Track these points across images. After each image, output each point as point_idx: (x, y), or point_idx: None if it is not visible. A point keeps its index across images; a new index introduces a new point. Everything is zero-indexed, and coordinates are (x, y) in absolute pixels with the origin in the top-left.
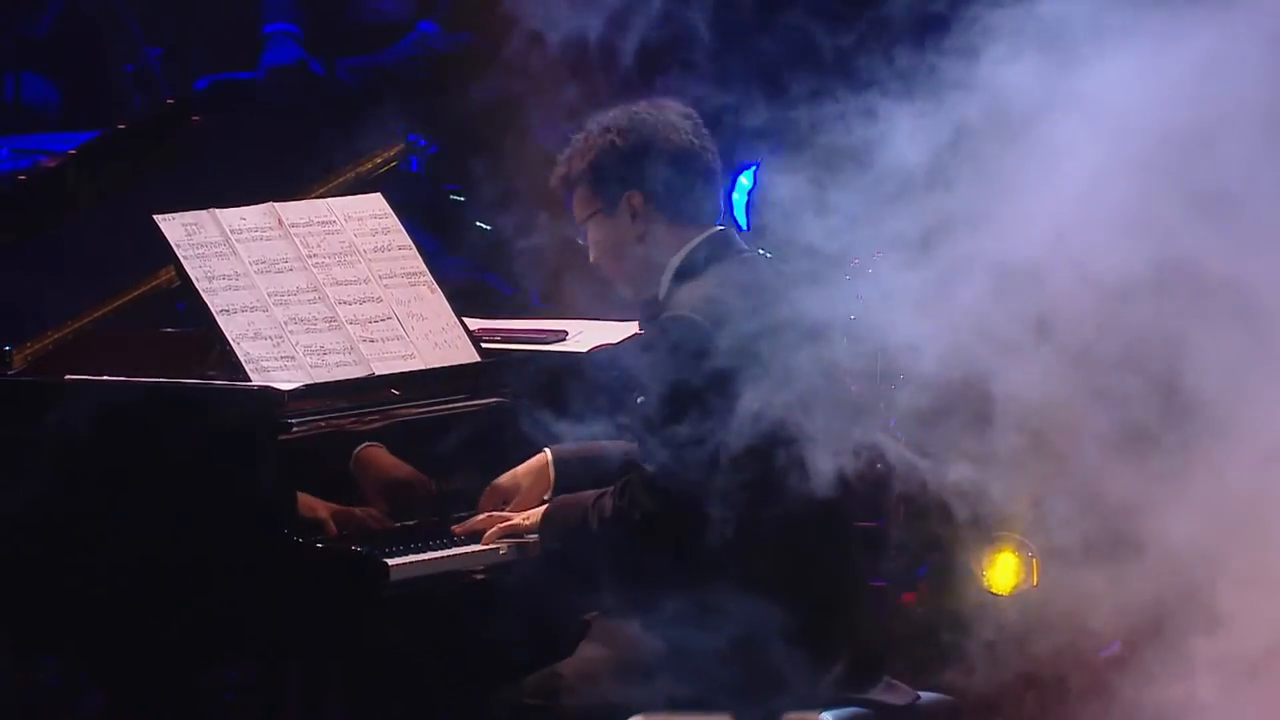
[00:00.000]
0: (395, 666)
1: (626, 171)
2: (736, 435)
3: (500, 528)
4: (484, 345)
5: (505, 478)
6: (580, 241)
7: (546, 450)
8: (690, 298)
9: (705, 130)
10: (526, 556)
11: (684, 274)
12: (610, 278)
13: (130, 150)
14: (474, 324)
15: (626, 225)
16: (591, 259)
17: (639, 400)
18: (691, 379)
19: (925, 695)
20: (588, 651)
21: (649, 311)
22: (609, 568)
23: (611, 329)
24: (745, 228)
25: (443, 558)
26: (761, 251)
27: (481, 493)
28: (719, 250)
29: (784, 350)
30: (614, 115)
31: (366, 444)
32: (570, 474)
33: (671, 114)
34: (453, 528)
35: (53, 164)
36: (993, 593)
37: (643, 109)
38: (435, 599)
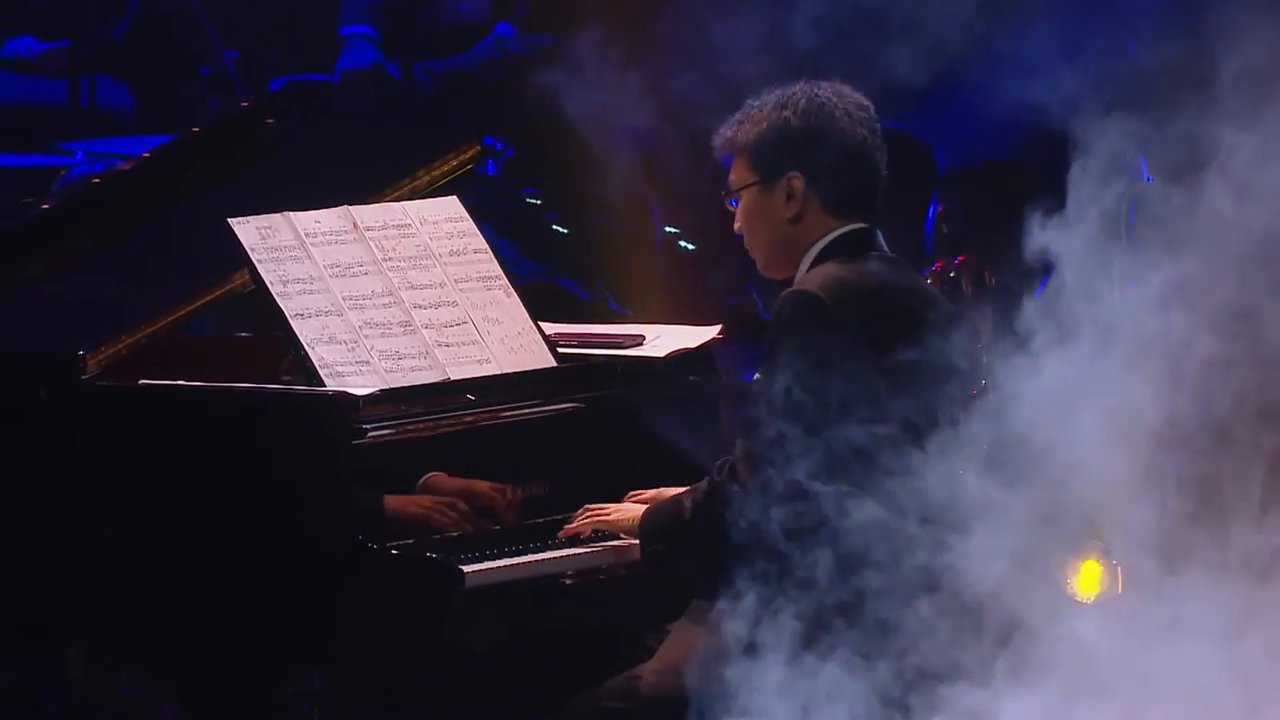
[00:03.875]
0: (472, 672)
1: (794, 152)
2: (839, 419)
3: (594, 519)
4: (560, 350)
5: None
6: (729, 207)
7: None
8: (818, 277)
9: (879, 125)
10: (621, 561)
11: (823, 259)
12: (750, 249)
13: (204, 153)
14: (550, 328)
15: (781, 204)
16: (736, 227)
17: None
18: (800, 352)
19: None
20: (666, 655)
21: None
22: (701, 546)
23: (689, 333)
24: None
25: (519, 564)
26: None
27: (558, 498)
28: (861, 244)
29: (899, 347)
30: (793, 92)
31: (428, 475)
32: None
33: (850, 103)
34: (559, 533)
35: (127, 167)
36: (1077, 601)
37: (824, 92)
38: (512, 605)
